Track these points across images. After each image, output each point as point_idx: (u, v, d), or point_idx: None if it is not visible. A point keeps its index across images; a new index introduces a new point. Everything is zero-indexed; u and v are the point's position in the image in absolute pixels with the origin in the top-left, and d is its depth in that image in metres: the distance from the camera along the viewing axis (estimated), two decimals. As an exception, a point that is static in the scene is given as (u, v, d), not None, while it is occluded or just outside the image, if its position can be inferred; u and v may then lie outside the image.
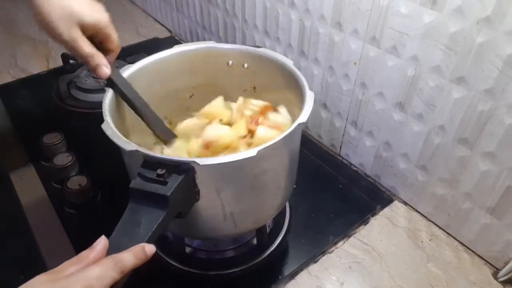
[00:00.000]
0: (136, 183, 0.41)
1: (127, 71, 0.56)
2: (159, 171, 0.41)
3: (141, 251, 0.37)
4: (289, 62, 0.57)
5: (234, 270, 0.60)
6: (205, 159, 0.42)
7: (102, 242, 0.36)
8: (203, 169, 0.42)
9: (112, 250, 0.37)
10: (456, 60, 0.53)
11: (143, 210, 0.40)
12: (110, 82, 0.52)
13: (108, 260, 0.35)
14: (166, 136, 0.57)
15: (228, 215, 0.50)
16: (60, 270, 0.34)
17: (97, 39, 0.51)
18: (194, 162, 0.41)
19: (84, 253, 0.35)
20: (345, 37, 0.67)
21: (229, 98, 0.64)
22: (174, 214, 0.42)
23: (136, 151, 0.42)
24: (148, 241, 0.38)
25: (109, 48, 0.52)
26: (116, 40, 0.52)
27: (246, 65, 0.62)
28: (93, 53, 0.49)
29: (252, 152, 0.42)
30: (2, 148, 0.81)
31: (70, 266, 0.34)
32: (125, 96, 0.53)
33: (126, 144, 0.43)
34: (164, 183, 0.40)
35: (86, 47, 0.49)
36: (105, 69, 0.51)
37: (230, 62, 0.63)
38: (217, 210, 0.49)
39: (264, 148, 0.43)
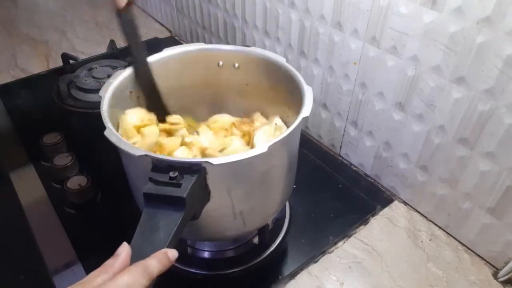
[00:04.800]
0: (149, 188, 0.41)
1: (122, 75, 0.56)
2: (172, 174, 0.40)
3: (165, 256, 0.37)
4: (281, 60, 0.57)
5: (234, 270, 0.60)
6: (218, 159, 0.42)
7: (125, 250, 0.36)
8: (215, 169, 0.42)
9: (134, 257, 0.36)
10: (456, 60, 0.53)
11: (159, 214, 0.40)
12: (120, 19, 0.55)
13: (136, 267, 0.34)
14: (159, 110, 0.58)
15: (238, 214, 0.50)
16: (88, 281, 0.33)
17: None
18: (207, 162, 0.41)
19: (109, 262, 0.35)
20: (345, 37, 0.67)
21: (221, 98, 0.64)
22: (190, 216, 0.42)
23: (146, 155, 0.42)
24: (169, 245, 0.38)
25: None
26: None
27: (236, 65, 0.62)
28: None
29: (263, 148, 0.43)
30: (2, 148, 0.81)
31: (97, 277, 0.33)
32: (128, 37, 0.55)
33: (134, 150, 0.43)
34: (178, 185, 0.40)
35: None
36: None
37: (221, 62, 0.63)
38: (227, 209, 0.49)
39: (274, 144, 0.44)
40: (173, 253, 0.38)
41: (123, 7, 0.53)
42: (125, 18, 0.55)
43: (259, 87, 0.63)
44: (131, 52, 0.57)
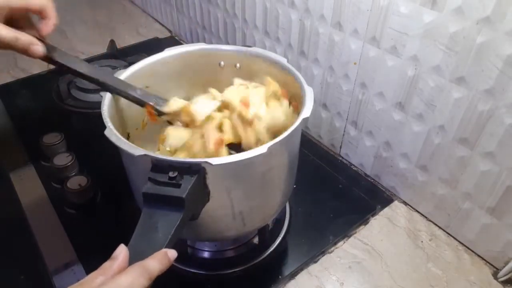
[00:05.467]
0: (148, 187, 0.41)
1: (122, 75, 0.56)
2: (171, 174, 0.40)
3: (165, 256, 0.37)
4: (282, 60, 0.58)
5: (235, 270, 0.60)
6: (217, 159, 0.42)
7: (123, 252, 0.36)
8: (214, 169, 0.42)
9: (132, 257, 0.36)
10: (456, 60, 0.53)
11: (158, 214, 0.40)
12: (53, 62, 0.48)
13: (135, 268, 0.35)
14: (147, 99, 0.54)
15: (238, 214, 0.50)
16: (87, 282, 0.34)
17: (20, 14, 0.46)
18: (206, 162, 0.41)
19: (107, 264, 0.35)
20: (345, 37, 0.67)
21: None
22: (189, 217, 0.42)
23: (145, 155, 0.42)
24: (168, 245, 0.38)
25: (35, 8, 0.47)
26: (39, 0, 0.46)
27: (238, 65, 0.62)
28: (16, 35, 0.44)
29: (263, 148, 0.43)
30: (2, 148, 0.81)
31: (96, 278, 0.34)
32: (78, 72, 0.49)
33: (134, 149, 0.43)
34: (178, 186, 0.40)
35: (5, 31, 0.43)
36: (37, 47, 0.46)
37: (222, 63, 0.63)
38: (227, 210, 0.49)
39: (274, 144, 0.44)
40: (172, 253, 0.38)
41: (42, 51, 0.47)
42: (60, 56, 0.48)
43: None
44: (103, 83, 0.52)
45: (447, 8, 0.51)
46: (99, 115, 0.48)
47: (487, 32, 0.48)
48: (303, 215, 0.68)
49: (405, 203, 0.71)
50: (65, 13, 1.36)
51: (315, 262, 0.62)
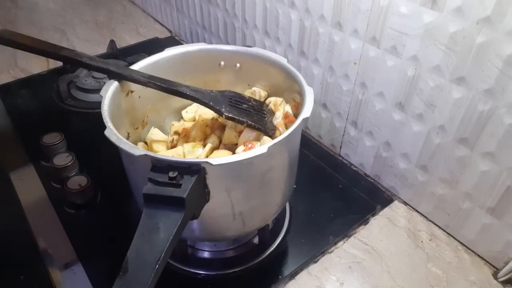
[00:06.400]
0: (149, 188, 0.41)
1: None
2: (171, 174, 0.40)
3: None
4: (282, 60, 0.58)
5: (234, 270, 0.60)
6: (217, 159, 0.42)
7: None
8: (214, 169, 0.42)
9: (134, 258, 0.36)
10: (456, 60, 0.53)
11: (159, 215, 0.40)
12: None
13: None
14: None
15: (238, 214, 0.50)
16: None
17: None
18: (206, 162, 0.41)
19: None
20: (345, 37, 0.67)
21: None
22: (190, 217, 0.42)
23: (145, 155, 0.42)
24: (170, 246, 0.38)
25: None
26: None
27: (238, 65, 0.62)
28: None
29: (263, 148, 0.43)
30: (2, 148, 0.81)
31: None
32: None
33: (134, 149, 0.43)
34: (178, 186, 0.40)
35: None
36: None
37: (222, 63, 0.63)
38: (227, 210, 0.49)
39: (274, 144, 0.44)
40: None
41: None
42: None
43: (260, 88, 0.63)
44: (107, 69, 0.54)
45: (447, 8, 0.51)
46: (99, 115, 0.48)
47: (487, 32, 0.48)
48: (303, 215, 0.68)
49: (405, 203, 0.71)
50: (65, 13, 1.36)
51: (315, 262, 0.62)
